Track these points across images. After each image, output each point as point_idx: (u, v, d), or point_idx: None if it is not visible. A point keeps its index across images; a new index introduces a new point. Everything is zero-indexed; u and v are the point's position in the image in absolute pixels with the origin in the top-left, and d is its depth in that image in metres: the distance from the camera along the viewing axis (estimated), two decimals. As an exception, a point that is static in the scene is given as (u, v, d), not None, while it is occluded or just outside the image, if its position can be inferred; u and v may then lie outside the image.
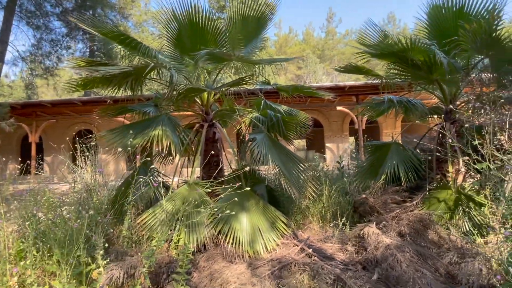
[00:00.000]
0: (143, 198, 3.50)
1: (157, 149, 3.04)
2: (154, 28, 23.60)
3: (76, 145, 4.92)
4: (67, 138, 6.46)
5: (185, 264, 2.27)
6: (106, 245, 2.34)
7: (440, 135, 4.06)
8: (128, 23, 22.34)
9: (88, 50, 21.19)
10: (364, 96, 11.42)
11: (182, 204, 3.25)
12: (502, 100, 3.08)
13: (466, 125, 3.28)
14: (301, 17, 78.45)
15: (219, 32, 4.18)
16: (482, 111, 3.16)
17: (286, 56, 39.37)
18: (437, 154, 3.95)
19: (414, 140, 4.69)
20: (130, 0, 21.14)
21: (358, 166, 5.32)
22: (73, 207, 2.68)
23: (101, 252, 2.06)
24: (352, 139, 15.59)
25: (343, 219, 3.91)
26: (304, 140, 19.64)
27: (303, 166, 3.84)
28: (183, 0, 3.83)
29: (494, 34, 2.85)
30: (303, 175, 3.78)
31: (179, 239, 3.13)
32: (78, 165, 4.72)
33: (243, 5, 4.14)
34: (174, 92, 3.31)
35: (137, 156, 3.57)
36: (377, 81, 4.57)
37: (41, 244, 2.44)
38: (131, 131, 3.06)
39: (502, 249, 2.49)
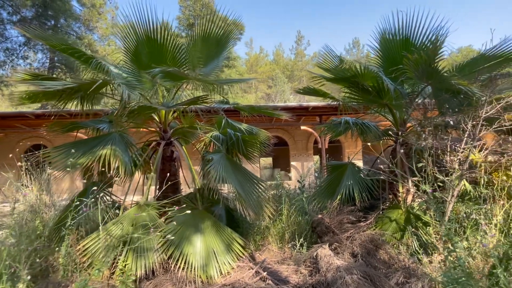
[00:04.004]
0: (89, 221, 3.25)
1: (102, 169, 2.85)
2: (120, 42, 23.09)
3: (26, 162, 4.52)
4: (21, 155, 5.92)
5: (124, 294, 2.10)
6: (29, 277, 2.10)
7: (391, 156, 4.25)
8: (94, 36, 21.70)
9: (47, 60, 20.18)
10: (327, 117, 11.80)
11: (131, 227, 3.06)
12: (439, 127, 3.31)
13: (413, 148, 3.47)
14: (271, 38, 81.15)
15: (178, 50, 4.13)
16: (423, 135, 3.37)
17: (256, 74, 40.41)
18: (388, 174, 4.11)
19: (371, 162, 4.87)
20: (96, 12, 20.63)
21: (318, 186, 5.40)
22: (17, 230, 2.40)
23: (24, 286, 1.85)
24: (317, 157, 15.96)
25: (301, 239, 3.90)
26: (271, 158, 19.79)
27: (262, 186, 3.80)
28: (140, 14, 3.74)
29: (432, 65, 3.09)
30: (262, 195, 3.74)
31: (125, 265, 2.92)
32: (23, 184, 4.33)
33: (207, 23, 4.11)
34: (127, 109, 3.18)
35: (95, 174, 3.34)
36: (336, 103, 4.74)
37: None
38: (73, 150, 2.86)
39: (443, 268, 2.59)
